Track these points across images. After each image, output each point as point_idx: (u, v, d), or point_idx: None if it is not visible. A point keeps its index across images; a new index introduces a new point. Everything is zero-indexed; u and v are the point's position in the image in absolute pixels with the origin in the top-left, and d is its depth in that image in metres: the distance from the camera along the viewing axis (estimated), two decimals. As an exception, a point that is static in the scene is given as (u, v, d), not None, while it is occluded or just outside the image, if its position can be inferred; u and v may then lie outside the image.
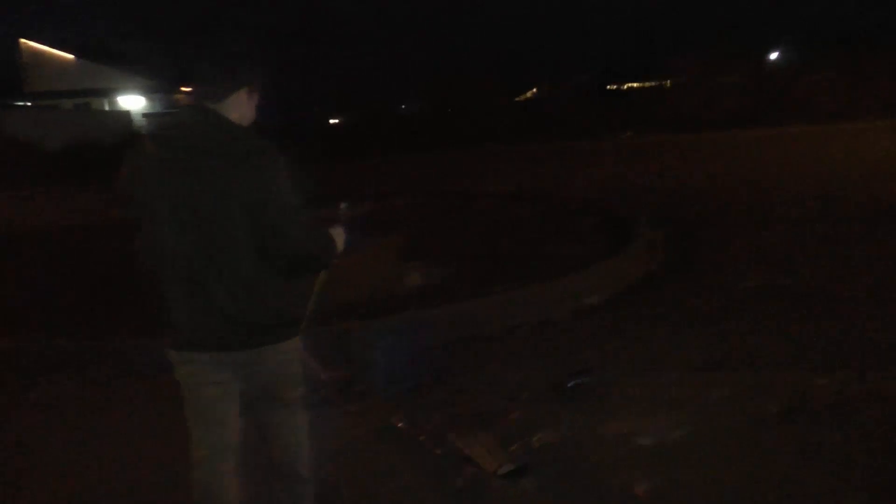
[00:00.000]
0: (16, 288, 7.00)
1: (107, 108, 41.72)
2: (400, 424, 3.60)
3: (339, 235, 2.35)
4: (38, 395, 4.37)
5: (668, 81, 30.19)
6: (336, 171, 17.85)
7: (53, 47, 44.00)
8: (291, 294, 2.19)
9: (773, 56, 30.84)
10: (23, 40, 43.65)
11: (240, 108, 2.13)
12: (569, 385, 3.96)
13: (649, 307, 5.32)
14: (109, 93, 42.08)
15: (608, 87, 36.62)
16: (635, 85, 35.37)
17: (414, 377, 4.15)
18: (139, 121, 36.03)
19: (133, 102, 41.67)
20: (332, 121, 36.15)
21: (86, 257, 8.01)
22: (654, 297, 5.59)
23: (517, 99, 34.51)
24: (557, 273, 5.75)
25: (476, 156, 20.40)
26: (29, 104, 38.61)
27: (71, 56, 43.74)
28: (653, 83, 32.39)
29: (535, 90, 36.97)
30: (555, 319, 5.07)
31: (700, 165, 14.65)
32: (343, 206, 3.81)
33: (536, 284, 5.45)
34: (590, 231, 7.63)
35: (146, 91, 41.97)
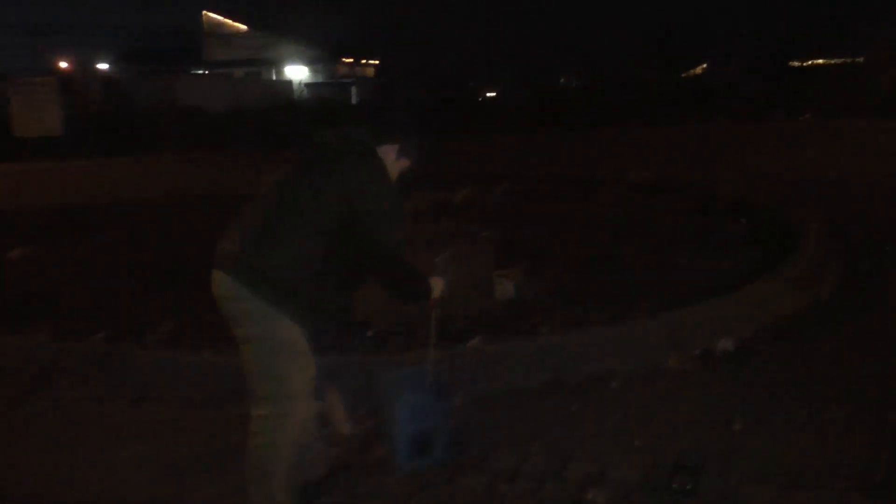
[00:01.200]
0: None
1: (274, 77, 43.32)
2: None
3: (437, 284, 2.71)
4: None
5: (861, 58, 26.30)
6: (481, 146, 16.87)
7: (230, 18, 46.31)
8: (312, 282, 2.41)
9: None
10: (205, 13, 46.32)
11: (387, 159, 2.54)
12: (672, 486, 2.74)
13: (807, 362, 3.88)
14: (277, 63, 43.64)
15: (790, 63, 32.83)
16: (820, 61, 31.33)
17: (454, 444, 3.08)
18: (300, 90, 37.12)
19: (297, 72, 42.98)
20: (489, 94, 35.14)
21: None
22: (817, 344, 4.12)
23: (684, 75, 31.77)
24: (682, 298, 4.42)
25: (630, 135, 18.59)
26: (205, 72, 40.98)
27: (244, 27, 45.84)
28: (843, 59, 28.41)
29: (704, 66, 33.93)
30: (666, 368, 3.79)
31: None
32: (449, 251, 3.08)
33: (647, 318, 4.15)
34: (737, 238, 6.10)
35: (309, 61, 43.14)
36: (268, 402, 2.45)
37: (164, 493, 2.93)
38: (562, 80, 35.46)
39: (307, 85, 39.56)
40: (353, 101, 34.73)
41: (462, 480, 2.89)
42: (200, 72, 41.42)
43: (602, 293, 4.78)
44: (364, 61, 45.73)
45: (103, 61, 37.21)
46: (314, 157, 2.51)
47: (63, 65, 33.28)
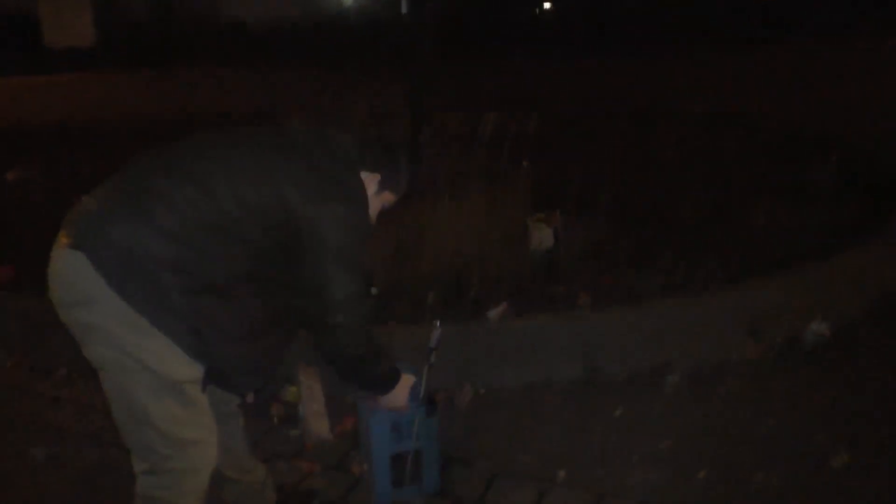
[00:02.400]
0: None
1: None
2: None
3: (403, 387, 2.03)
4: None
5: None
6: (525, 72, 15.59)
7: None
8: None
9: None
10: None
11: (367, 189, 1.86)
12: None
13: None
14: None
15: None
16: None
17: (450, 468, 2.32)
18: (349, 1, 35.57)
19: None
20: (545, 5, 32.84)
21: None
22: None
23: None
24: (761, 266, 3.49)
25: (694, 60, 16.97)
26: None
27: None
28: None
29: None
30: (740, 361, 2.93)
31: None
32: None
33: (712, 290, 3.26)
34: (828, 187, 5.02)
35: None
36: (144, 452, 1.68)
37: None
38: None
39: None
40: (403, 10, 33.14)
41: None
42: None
43: (656, 256, 3.86)
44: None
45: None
46: (274, 143, 1.78)
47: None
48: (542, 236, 4.26)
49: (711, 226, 4.25)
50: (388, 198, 1.93)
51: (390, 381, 1.98)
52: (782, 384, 2.81)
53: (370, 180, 1.85)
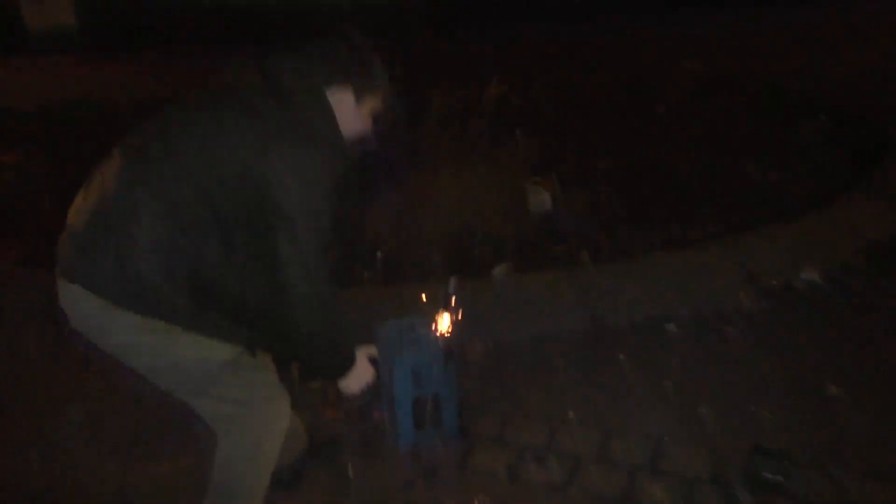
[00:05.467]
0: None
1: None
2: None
3: (361, 372, 1.90)
4: None
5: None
6: (516, 36, 15.56)
7: None
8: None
9: None
10: None
11: (344, 107, 1.69)
12: (762, 475, 2.10)
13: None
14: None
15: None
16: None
17: (464, 410, 2.46)
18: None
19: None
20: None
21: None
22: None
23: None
24: (754, 219, 3.64)
25: (681, 22, 16.94)
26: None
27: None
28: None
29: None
30: (737, 308, 3.07)
31: None
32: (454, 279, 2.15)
33: (709, 242, 3.41)
34: (817, 145, 5.17)
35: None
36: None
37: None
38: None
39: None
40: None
41: (478, 460, 2.30)
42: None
43: (654, 213, 4.01)
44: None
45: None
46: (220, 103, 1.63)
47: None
48: (540, 199, 4.38)
49: (705, 184, 4.39)
50: (374, 104, 1.75)
51: (346, 365, 1.84)
52: (777, 327, 2.96)
53: (343, 95, 1.69)
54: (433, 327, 2.30)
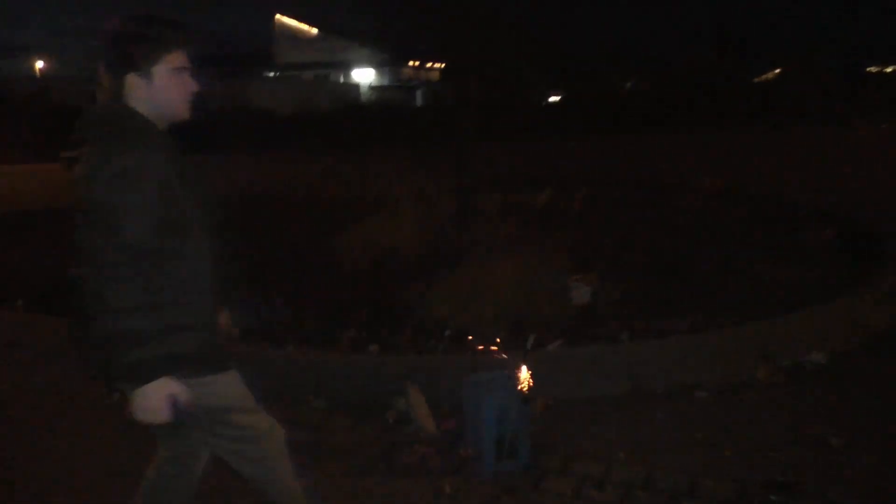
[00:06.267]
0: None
1: (341, 80, 44.03)
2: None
3: (153, 400, 1.75)
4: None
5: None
6: (547, 151, 16.70)
7: (302, 22, 47.33)
8: None
9: None
10: (278, 16, 47.44)
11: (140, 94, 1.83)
12: (770, 498, 2.67)
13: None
14: (345, 66, 44.35)
15: (867, 69, 31.55)
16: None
17: (539, 449, 3.06)
18: (367, 93, 37.66)
19: (364, 75, 43.58)
20: (552, 98, 34.76)
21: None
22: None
23: (756, 80, 30.89)
24: (765, 310, 4.29)
25: (700, 141, 18.13)
26: (276, 74, 42.00)
27: (315, 30, 46.77)
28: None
29: (777, 71, 32.92)
30: (751, 381, 3.69)
31: None
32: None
33: (730, 327, 4.06)
34: (822, 249, 5.89)
35: (376, 65, 43.67)
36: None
37: None
38: (628, 84, 34.89)
39: (373, 88, 40.11)
40: (418, 103, 35.13)
41: (548, 485, 2.88)
42: (271, 74, 42.45)
43: (682, 302, 4.68)
44: (429, 65, 46.00)
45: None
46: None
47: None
48: (582, 294, 5.04)
49: (724, 279, 5.06)
50: (176, 58, 1.84)
51: (140, 372, 1.71)
52: (787, 395, 3.56)
53: (132, 81, 1.81)
54: (513, 377, 2.95)
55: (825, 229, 6.49)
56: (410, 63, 44.67)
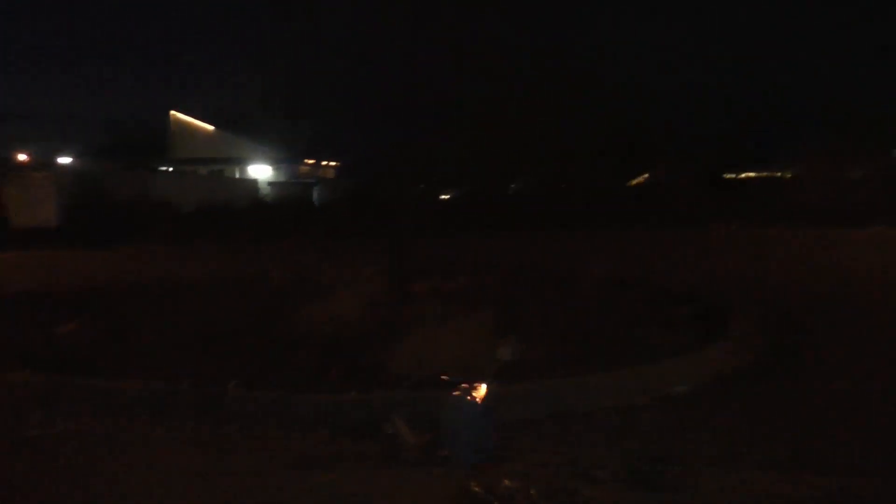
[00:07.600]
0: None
1: (237, 175, 44.82)
2: (477, 489, 3.76)
3: None
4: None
5: (786, 171, 29.35)
6: (446, 246, 18.39)
7: (197, 118, 48.12)
8: None
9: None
10: (173, 112, 48.05)
11: None
12: (647, 469, 4.01)
13: (738, 400, 5.29)
14: (241, 161, 45.25)
15: (725, 175, 36.02)
16: (752, 174, 34.57)
17: (494, 448, 4.31)
18: (265, 188, 38.70)
19: (261, 171, 44.57)
20: (442, 196, 37.08)
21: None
22: (745, 390, 5.55)
23: (630, 183, 34.35)
24: (646, 359, 5.78)
25: (581, 239, 20.47)
26: (171, 169, 42.31)
27: (211, 127, 47.63)
28: (771, 173, 31.54)
29: (647, 175, 36.73)
30: (639, 405, 5.12)
31: (811, 260, 14.15)
32: None
33: (623, 369, 5.52)
34: (686, 319, 7.59)
35: (273, 162, 44.83)
36: None
37: None
38: (512, 186, 37.60)
39: (271, 184, 41.16)
40: (315, 199, 36.56)
41: (505, 466, 4.12)
42: (165, 168, 42.72)
43: (583, 356, 6.11)
44: (325, 163, 47.65)
45: (66, 154, 38.08)
46: None
47: (21, 157, 33.91)
48: (507, 349, 6.40)
49: (607, 342, 6.59)
50: None
51: None
52: (657, 415, 5.00)
53: None
54: (476, 397, 4.22)
55: (686, 305, 8.25)
56: (307, 161, 46.17)
